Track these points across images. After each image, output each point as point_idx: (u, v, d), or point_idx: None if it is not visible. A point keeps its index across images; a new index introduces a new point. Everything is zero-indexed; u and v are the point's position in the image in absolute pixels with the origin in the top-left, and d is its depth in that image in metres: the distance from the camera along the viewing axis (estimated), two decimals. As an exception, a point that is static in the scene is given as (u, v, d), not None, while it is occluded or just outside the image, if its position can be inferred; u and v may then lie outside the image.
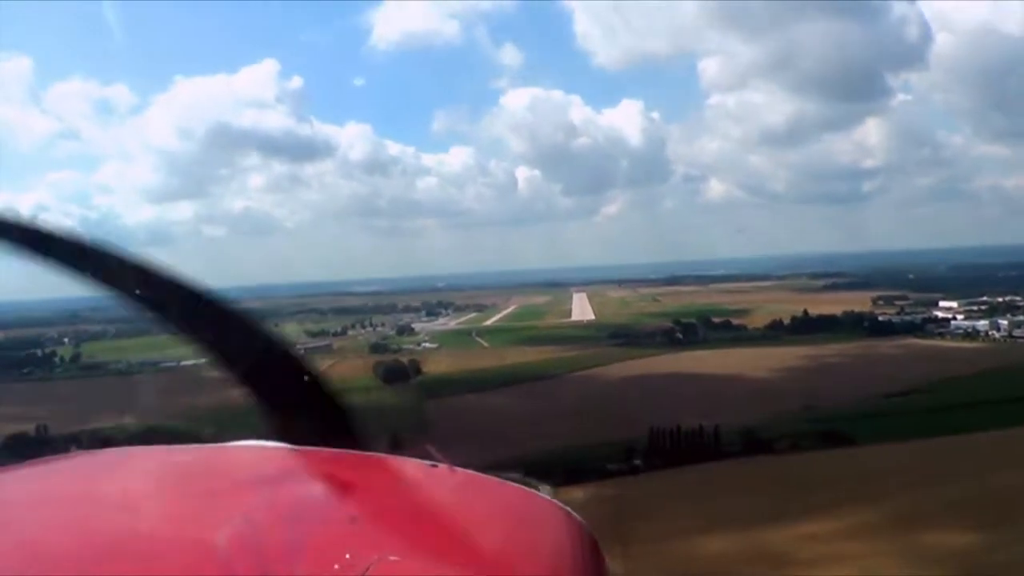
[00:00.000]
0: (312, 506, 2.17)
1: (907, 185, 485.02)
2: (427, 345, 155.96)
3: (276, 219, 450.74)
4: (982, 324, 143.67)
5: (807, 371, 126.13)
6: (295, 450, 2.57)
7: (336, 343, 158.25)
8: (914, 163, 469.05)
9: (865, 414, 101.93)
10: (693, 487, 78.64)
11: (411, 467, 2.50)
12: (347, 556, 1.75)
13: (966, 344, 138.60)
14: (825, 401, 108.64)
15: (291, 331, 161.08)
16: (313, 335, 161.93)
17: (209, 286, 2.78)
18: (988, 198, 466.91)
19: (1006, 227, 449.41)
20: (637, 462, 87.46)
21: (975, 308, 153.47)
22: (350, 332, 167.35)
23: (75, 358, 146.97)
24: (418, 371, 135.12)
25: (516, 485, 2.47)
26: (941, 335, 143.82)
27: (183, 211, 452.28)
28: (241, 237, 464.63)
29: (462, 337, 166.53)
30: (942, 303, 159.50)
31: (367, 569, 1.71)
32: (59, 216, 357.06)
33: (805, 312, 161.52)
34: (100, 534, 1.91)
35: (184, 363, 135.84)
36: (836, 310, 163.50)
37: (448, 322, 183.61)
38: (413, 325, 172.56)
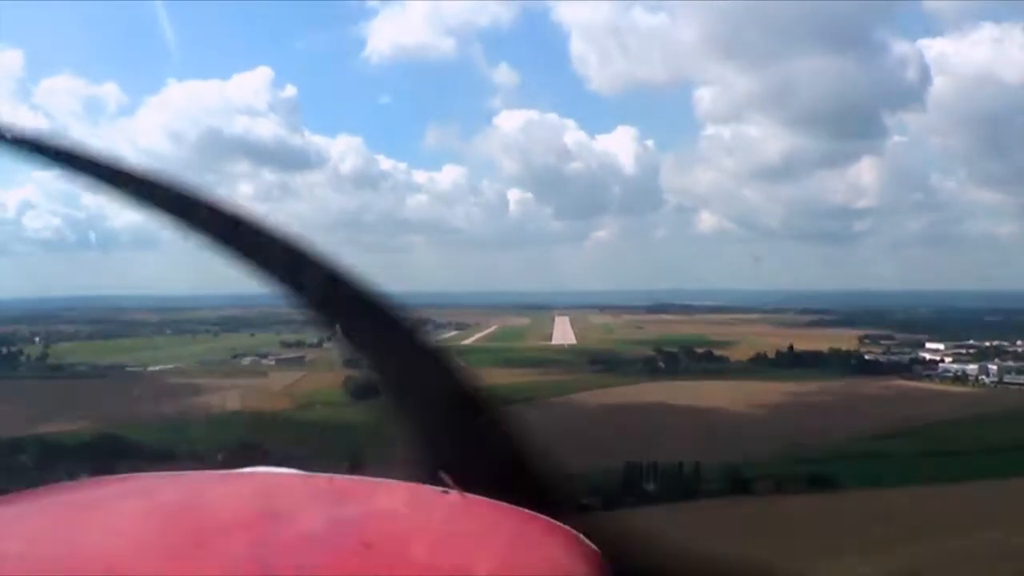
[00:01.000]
0: (325, 533, 2.20)
1: (898, 227, 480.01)
2: None
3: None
4: (971, 368, 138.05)
5: (792, 408, 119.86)
6: (306, 476, 2.67)
7: (310, 355, 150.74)
8: (906, 205, 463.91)
9: (851, 456, 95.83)
10: (669, 528, 72.20)
11: (423, 493, 2.54)
12: None
13: (955, 388, 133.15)
14: (810, 440, 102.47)
15: (266, 341, 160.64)
16: (288, 346, 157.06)
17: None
18: (977, 244, 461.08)
19: (992, 273, 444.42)
20: (612, 497, 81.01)
21: (963, 351, 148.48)
22: (326, 345, 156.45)
23: (42, 358, 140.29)
24: None
25: (528, 512, 2.45)
26: (929, 377, 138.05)
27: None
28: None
29: None
30: (928, 344, 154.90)
31: None
32: (46, 215, 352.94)
33: (790, 347, 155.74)
34: (109, 564, 1.89)
35: (151, 369, 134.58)
36: (821, 347, 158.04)
37: None
38: None
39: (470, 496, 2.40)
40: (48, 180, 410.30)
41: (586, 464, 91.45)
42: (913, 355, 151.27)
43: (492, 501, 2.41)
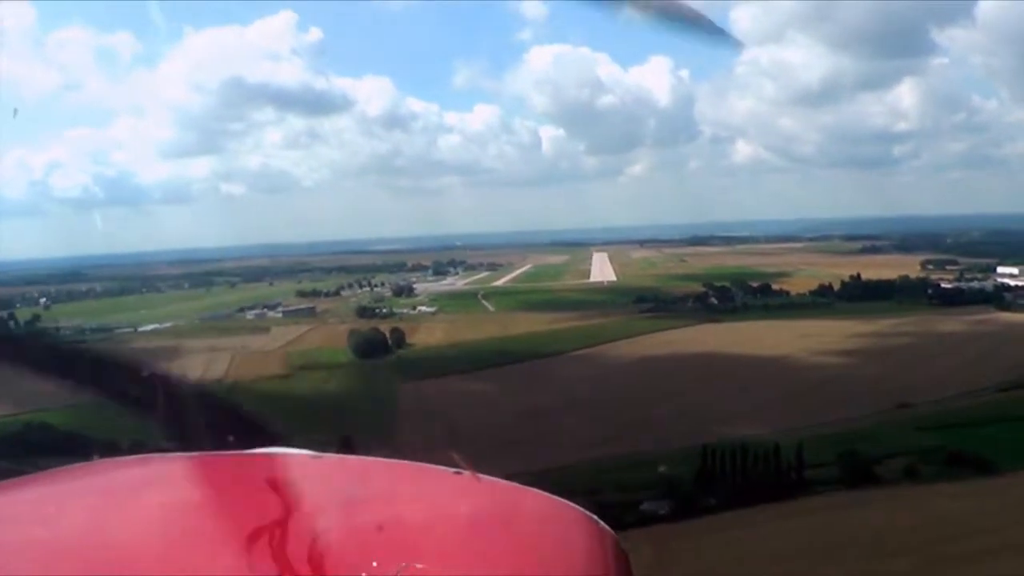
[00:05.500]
0: (338, 514, 2.18)
1: (938, 150, 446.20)
2: (423, 309, 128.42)
3: (294, 177, 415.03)
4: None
5: (884, 352, 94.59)
6: (318, 457, 2.56)
7: (323, 305, 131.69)
8: (947, 127, 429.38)
9: (988, 418, 67.79)
10: (773, 544, 45.26)
11: (435, 475, 2.45)
12: (374, 564, 1.75)
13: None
14: (922, 395, 76.32)
15: (282, 291, 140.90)
16: (304, 295, 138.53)
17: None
18: (1019, 165, 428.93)
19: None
20: (688, 499, 55.35)
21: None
22: (343, 292, 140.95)
23: (31, 322, 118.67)
24: (400, 343, 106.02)
25: (542, 493, 2.40)
26: None
27: (200, 168, 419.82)
28: (259, 195, 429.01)
29: (466, 300, 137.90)
30: (1001, 269, 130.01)
31: None
32: (75, 173, 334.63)
33: (857, 276, 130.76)
34: (125, 542, 1.96)
35: (141, 329, 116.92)
36: (885, 275, 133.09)
37: (455, 282, 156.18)
38: (414, 285, 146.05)
39: (483, 477, 2.26)
40: (74, 139, 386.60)
41: (648, 448, 65.52)
42: (993, 281, 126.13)
43: (506, 482, 2.31)
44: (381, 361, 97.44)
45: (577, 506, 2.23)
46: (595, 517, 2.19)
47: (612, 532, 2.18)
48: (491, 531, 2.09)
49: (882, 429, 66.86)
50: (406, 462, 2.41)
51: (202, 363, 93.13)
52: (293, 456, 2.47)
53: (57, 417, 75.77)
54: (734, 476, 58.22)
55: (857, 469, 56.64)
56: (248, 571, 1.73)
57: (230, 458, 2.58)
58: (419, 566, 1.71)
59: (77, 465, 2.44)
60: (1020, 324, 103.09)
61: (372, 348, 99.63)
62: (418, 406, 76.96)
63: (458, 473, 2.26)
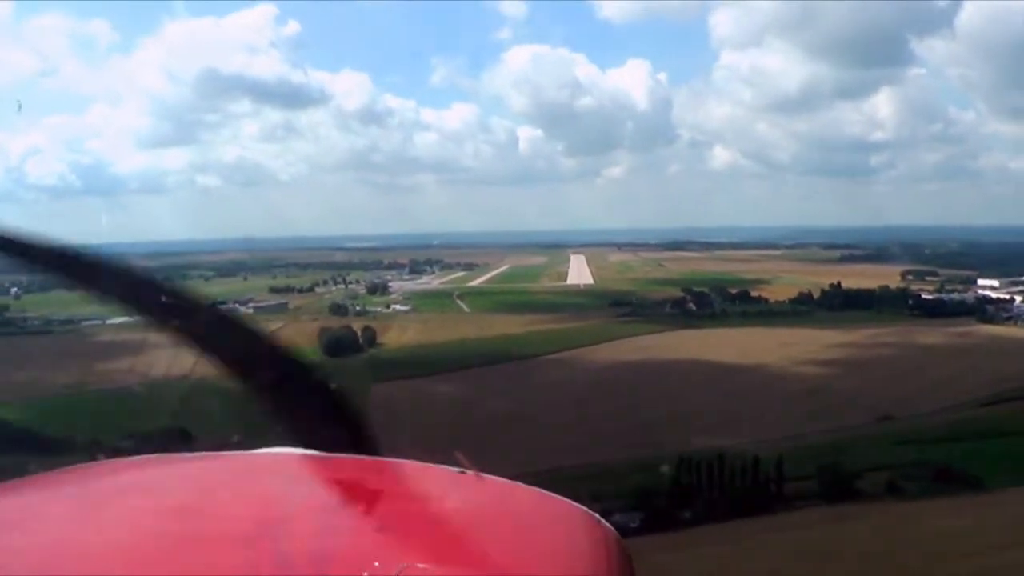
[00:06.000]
0: (340, 514, 2.12)
1: (915, 160, 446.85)
2: (398, 308, 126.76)
3: (270, 170, 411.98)
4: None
5: (866, 363, 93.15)
6: (321, 457, 2.45)
7: (295, 302, 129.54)
8: (924, 137, 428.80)
9: (971, 433, 65.99)
10: (750, 561, 42.42)
11: (438, 474, 2.32)
12: (376, 564, 1.68)
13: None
14: (904, 408, 75.30)
15: (256, 286, 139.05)
16: (278, 291, 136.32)
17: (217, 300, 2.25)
18: (993, 177, 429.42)
19: (1009, 207, 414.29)
20: (662, 511, 52.34)
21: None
22: (318, 289, 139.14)
23: None
24: (372, 342, 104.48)
25: (544, 492, 2.26)
26: (1011, 320, 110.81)
27: (176, 159, 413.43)
28: (235, 188, 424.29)
29: (441, 299, 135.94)
30: (982, 281, 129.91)
31: None
32: (51, 160, 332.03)
33: (837, 285, 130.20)
34: (126, 542, 1.90)
35: (110, 322, 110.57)
36: (865, 284, 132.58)
37: (431, 281, 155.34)
38: (390, 283, 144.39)
39: (485, 476, 2.17)
40: (52, 125, 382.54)
41: (620, 457, 63.17)
42: (974, 293, 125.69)
43: (508, 481, 2.20)
44: (351, 360, 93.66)
45: (580, 505, 2.09)
46: (598, 516, 2.08)
47: (615, 531, 2.07)
48: (494, 530, 2.01)
49: (864, 442, 64.76)
50: (408, 461, 2.25)
51: (167, 358, 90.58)
52: (293, 455, 2.35)
53: (12, 412, 73.74)
54: (711, 488, 56.05)
55: (838, 483, 54.44)
56: (249, 571, 1.67)
57: (230, 458, 2.45)
58: (421, 565, 1.66)
59: (78, 466, 2.27)
60: (1003, 337, 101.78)
61: (342, 347, 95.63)
62: (385, 408, 74.64)
63: (461, 472, 2.19)
